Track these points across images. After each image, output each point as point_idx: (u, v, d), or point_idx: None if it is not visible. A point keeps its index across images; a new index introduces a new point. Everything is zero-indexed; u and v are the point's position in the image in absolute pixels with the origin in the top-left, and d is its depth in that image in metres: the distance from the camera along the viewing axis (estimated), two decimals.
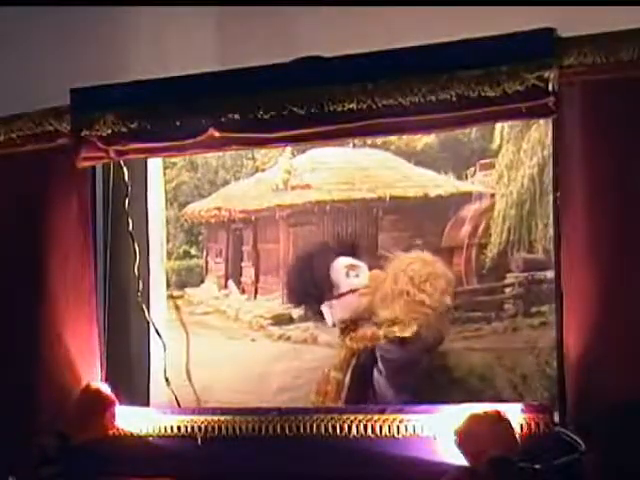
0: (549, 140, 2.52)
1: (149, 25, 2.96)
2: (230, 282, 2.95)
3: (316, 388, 2.77)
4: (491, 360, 2.61)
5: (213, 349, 2.93)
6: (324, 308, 2.79)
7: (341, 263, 2.77)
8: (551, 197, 2.50)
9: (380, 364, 2.71)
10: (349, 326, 2.76)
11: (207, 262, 2.97)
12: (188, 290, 2.98)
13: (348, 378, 2.75)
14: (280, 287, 2.87)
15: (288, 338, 2.85)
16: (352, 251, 2.77)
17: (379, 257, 2.74)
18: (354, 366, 2.75)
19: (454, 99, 2.40)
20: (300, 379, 2.81)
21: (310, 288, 2.80)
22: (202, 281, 2.98)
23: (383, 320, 2.70)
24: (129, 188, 2.90)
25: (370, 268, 2.75)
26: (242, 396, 2.84)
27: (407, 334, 2.66)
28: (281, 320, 2.86)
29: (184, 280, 2.99)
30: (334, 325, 2.78)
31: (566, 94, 2.34)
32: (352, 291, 2.76)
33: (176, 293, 2.99)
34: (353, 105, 2.49)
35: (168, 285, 3.00)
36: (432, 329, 2.65)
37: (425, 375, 2.66)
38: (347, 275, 2.76)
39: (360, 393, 2.74)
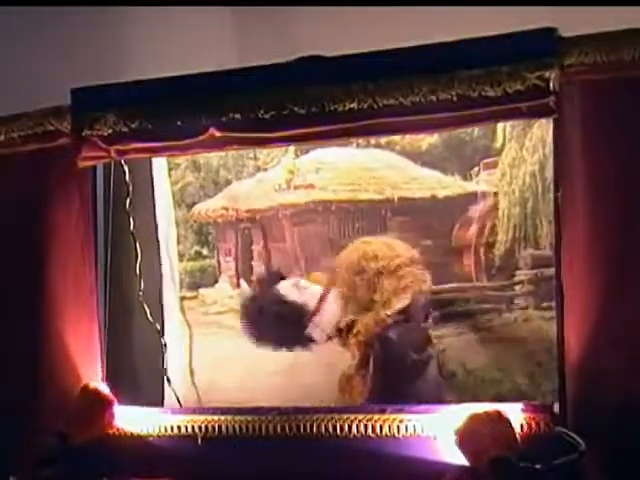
0: (551, 137, 2.51)
1: (149, 25, 2.96)
2: (242, 281, 2.95)
3: (339, 387, 2.78)
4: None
5: (228, 348, 2.94)
6: (311, 330, 2.80)
7: (285, 286, 2.80)
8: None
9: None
10: (343, 328, 2.76)
11: (219, 262, 2.98)
12: (203, 290, 2.98)
13: (371, 370, 2.75)
14: None
15: None
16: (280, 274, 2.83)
17: None
18: (374, 357, 2.75)
19: (455, 99, 2.40)
20: (312, 377, 2.81)
21: (288, 328, 2.82)
22: (216, 281, 2.98)
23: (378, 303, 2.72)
24: (130, 188, 2.91)
25: None
26: (255, 394, 2.84)
27: (405, 302, 2.68)
28: None
29: (198, 281, 2.99)
30: (329, 338, 2.79)
31: (567, 93, 2.34)
32: (322, 299, 2.76)
33: (190, 294, 3.00)
34: (354, 105, 2.49)
35: (182, 286, 3.00)
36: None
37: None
38: (299, 291, 2.78)
39: (390, 386, 2.74)
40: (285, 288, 2.82)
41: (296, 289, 2.80)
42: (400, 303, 2.70)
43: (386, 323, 2.72)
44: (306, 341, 2.81)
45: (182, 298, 3.00)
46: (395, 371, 2.73)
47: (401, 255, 2.71)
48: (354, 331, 2.75)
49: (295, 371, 2.83)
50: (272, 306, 2.84)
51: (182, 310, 2.99)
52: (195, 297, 2.99)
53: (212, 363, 2.94)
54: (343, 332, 2.76)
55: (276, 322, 2.84)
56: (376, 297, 2.72)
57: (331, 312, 2.77)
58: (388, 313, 2.71)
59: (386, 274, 2.71)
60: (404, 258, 2.71)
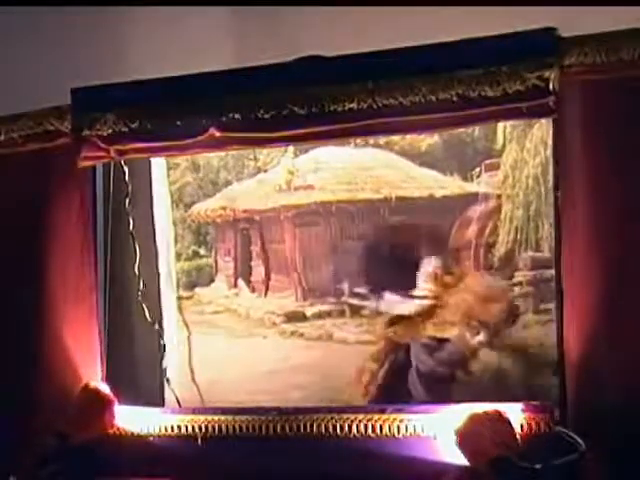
0: (551, 139, 2.52)
1: (149, 25, 2.96)
2: (240, 281, 2.95)
3: (354, 376, 2.76)
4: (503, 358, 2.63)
5: (225, 347, 2.94)
6: (390, 297, 2.76)
7: (430, 265, 2.73)
8: None
9: (414, 372, 2.71)
10: (396, 320, 2.74)
11: (217, 261, 2.98)
12: (199, 290, 2.99)
13: (384, 371, 2.74)
14: (292, 285, 2.88)
15: (301, 335, 2.86)
16: (438, 251, 2.73)
17: None
18: (392, 360, 2.74)
19: (455, 99, 2.40)
20: (314, 376, 2.81)
21: (392, 277, 2.76)
22: (212, 280, 2.99)
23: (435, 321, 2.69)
24: (129, 188, 2.91)
25: None
26: (254, 395, 2.84)
27: (448, 335, 2.66)
28: (294, 317, 2.87)
29: (194, 280, 2.99)
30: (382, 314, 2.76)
31: (567, 94, 2.34)
32: (425, 297, 2.73)
33: (187, 293, 3.00)
34: (354, 105, 2.49)
35: (178, 285, 3.00)
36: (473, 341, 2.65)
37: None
38: (427, 280, 2.73)
39: (394, 389, 2.73)
40: (428, 267, 2.73)
41: (431, 274, 2.74)
42: (445, 332, 2.67)
43: (421, 339, 2.70)
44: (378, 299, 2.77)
45: (179, 298, 3.00)
46: (403, 383, 2.72)
47: (477, 297, 2.66)
48: (393, 328, 2.74)
49: (291, 371, 2.84)
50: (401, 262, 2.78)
51: (180, 310, 2.99)
52: (191, 297, 3.00)
53: (209, 363, 2.94)
54: (392, 322, 2.73)
55: (390, 271, 2.79)
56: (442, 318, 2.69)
57: (418, 308, 2.73)
58: (432, 335, 2.68)
59: (452, 299, 2.68)
60: (477, 303, 2.66)
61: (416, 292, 2.72)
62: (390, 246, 2.78)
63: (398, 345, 2.74)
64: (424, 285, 2.71)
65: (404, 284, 2.73)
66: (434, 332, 2.68)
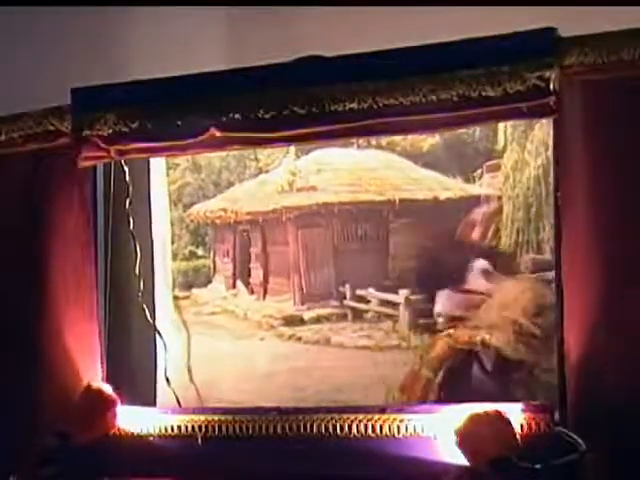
0: (552, 140, 2.52)
1: (149, 25, 2.96)
2: (238, 282, 2.95)
3: (401, 385, 2.72)
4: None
5: (221, 349, 2.94)
6: (441, 294, 2.72)
7: (479, 265, 2.69)
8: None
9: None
10: (450, 323, 2.70)
11: (215, 262, 2.98)
12: (196, 290, 2.99)
13: (441, 376, 2.70)
14: (291, 288, 2.88)
15: (299, 338, 2.85)
16: (488, 255, 2.69)
17: None
18: (449, 366, 2.70)
19: (455, 99, 2.40)
20: (311, 379, 2.81)
21: (443, 272, 2.72)
22: (210, 281, 2.99)
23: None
24: (130, 188, 2.91)
25: None
26: (251, 396, 2.84)
27: (503, 345, 2.62)
28: (292, 321, 2.87)
29: (191, 280, 2.99)
30: (438, 316, 2.71)
31: (567, 94, 2.34)
32: (477, 292, 2.68)
33: (183, 293, 3.00)
34: (354, 105, 2.49)
35: (174, 286, 3.00)
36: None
37: None
38: (478, 277, 2.69)
39: (455, 392, 2.68)
40: (478, 266, 2.71)
41: (480, 273, 2.69)
42: (499, 342, 2.63)
43: (474, 346, 2.67)
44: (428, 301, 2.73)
45: (175, 298, 3.00)
46: (462, 388, 2.69)
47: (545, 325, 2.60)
48: (451, 332, 2.70)
49: (290, 373, 2.84)
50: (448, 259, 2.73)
51: (178, 310, 2.99)
52: (187, 297, 3.00)
53: (206, 363, 2.95)
54: (446, 324, 2.69)
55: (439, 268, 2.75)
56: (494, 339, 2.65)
57: (466, 303, 2.69)
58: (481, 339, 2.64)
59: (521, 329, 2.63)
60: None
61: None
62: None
63: (454, 352, 2.70)
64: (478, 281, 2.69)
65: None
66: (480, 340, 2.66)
